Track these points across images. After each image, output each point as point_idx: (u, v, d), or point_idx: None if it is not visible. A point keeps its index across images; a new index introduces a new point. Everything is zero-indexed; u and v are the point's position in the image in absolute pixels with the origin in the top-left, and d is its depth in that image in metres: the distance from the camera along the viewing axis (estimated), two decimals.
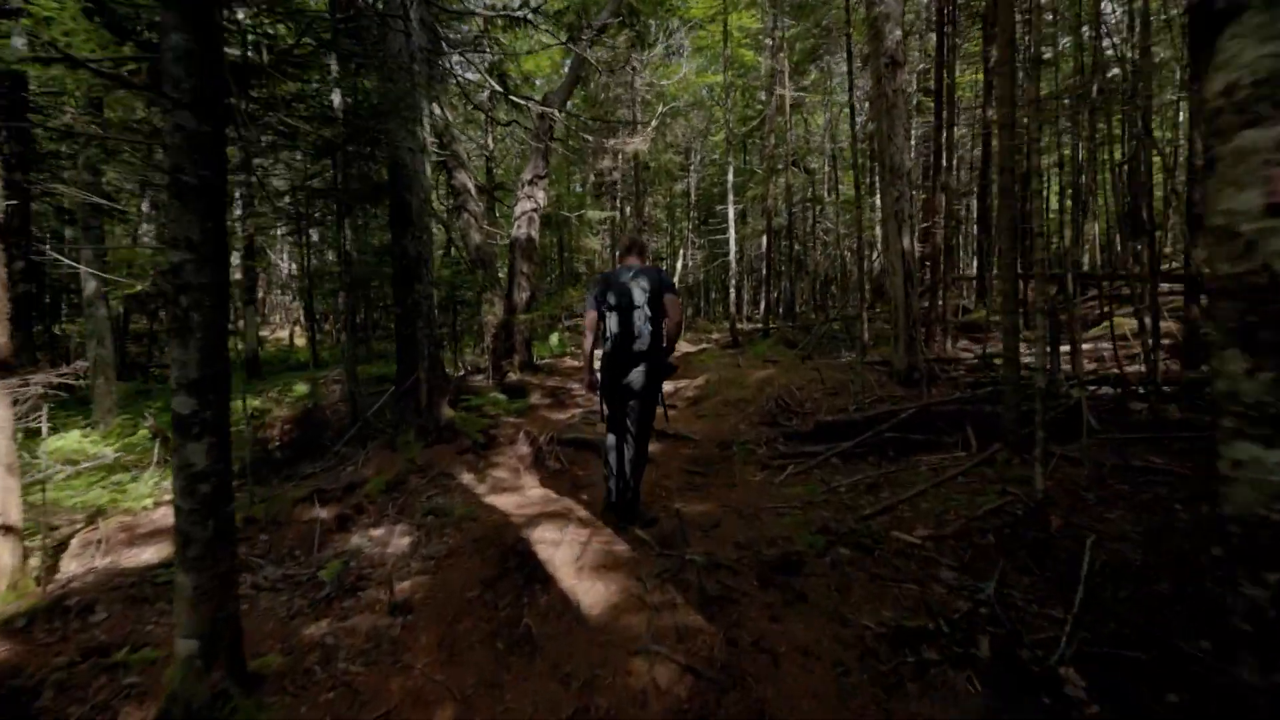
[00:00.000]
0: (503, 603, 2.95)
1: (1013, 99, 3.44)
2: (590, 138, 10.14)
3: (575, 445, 5.32)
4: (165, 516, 4.32)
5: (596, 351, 3.57)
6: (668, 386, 6.79)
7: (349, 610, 3.08)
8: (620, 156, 16.86)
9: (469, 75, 12.02)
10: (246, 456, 4.41)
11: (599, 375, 3.55)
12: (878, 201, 18.26)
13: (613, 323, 3.36)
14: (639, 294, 3.30)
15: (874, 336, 11.74)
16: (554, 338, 11.48)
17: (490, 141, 14.76)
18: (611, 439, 3.59)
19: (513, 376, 9.32)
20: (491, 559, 3.38)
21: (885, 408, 5.39)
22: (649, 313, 3.31)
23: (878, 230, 18.78)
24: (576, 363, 11.46)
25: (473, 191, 9.25)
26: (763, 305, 24.09)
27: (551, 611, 2.80)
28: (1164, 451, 3.42)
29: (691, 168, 20.51)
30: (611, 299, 3.35)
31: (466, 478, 4.79)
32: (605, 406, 3.58)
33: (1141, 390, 4.38)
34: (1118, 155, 7.29)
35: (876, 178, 19.18)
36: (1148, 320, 4.39)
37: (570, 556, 3.30)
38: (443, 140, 9.01)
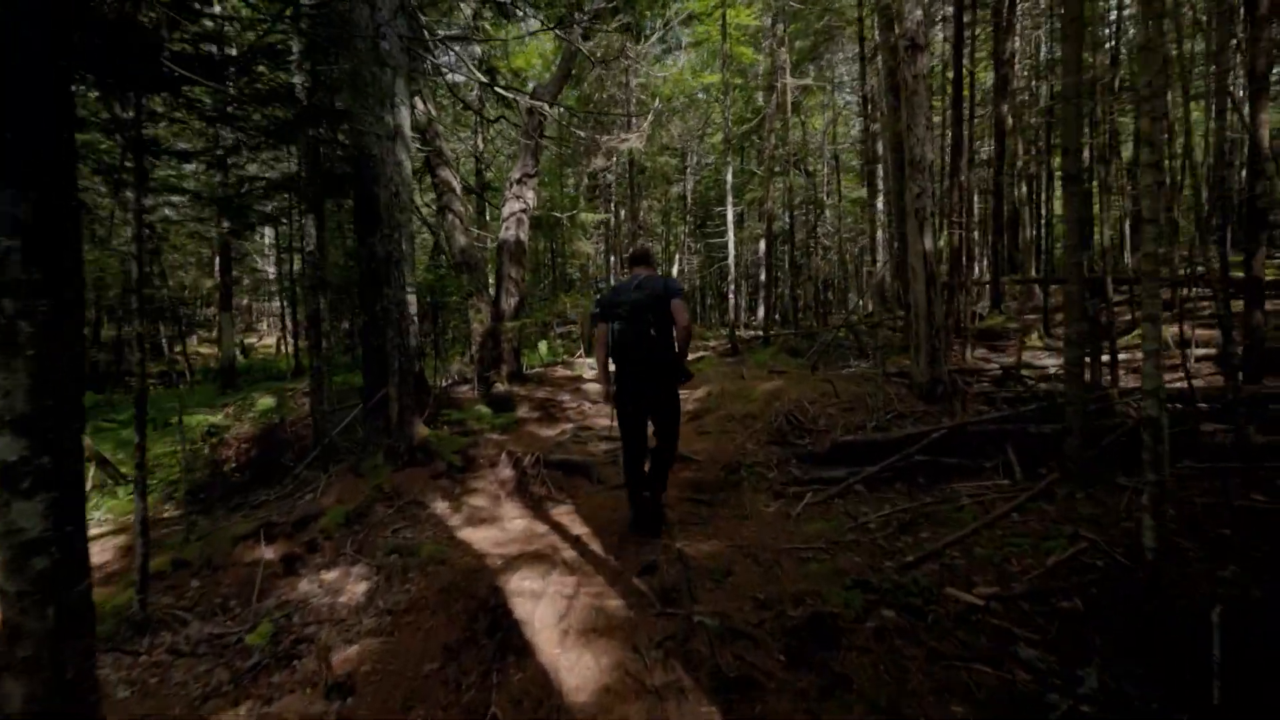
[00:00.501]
0: (467, 680, 2.37)
1: (1078, 64, 2.91)
2: (583, 133, 9.61)
3: (564, 469, 4.75)
4: None
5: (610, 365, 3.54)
6: None
7: (278, 688, 2.49)
8: (615, 158, 16.36)
9: (457, 77, 11.51)
10: (181, 486, 3.83)
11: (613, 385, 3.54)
12: (880, 205, 17.82)
13: (619, 332, 3.34)
14: (644, 302, 3.29)
15: (881, 344, 11.23)
16: (543, 346, 10.91)
17: (480, 142, 14.24)
18: (626, 449, 3.56)
19: (500, 387, 8.75)
20: (459, 616, 2.80)
21: (910, 427, 4.86)
22: (654, 319, 3.28)
23: (879, 235, 18.34)
24: (569, 371, 10.90)
25: (457, 190, 8.70)
26: (761, 311, 23.62)
27: (527, 697, 2.23)
28: (1263, 486, 2.88)
29: (688, 170, 20.03)
30: (618, 309, 3.34)
31: (439, 507, 4.22)
32: (617, 416, 3.55)
33: (1206, 407, 3.86)
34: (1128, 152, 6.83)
35: (880, 180, 18.75)
36: (1184, 328, 3.91)
37: (553, 615, 2.72)
38: (425, 136, 8.46)
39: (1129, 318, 8.11)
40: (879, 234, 18.33)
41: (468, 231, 8.80)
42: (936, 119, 11.21)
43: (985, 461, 4.13)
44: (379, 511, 4.09)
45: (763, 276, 23.55)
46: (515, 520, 4.05)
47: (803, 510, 3.84)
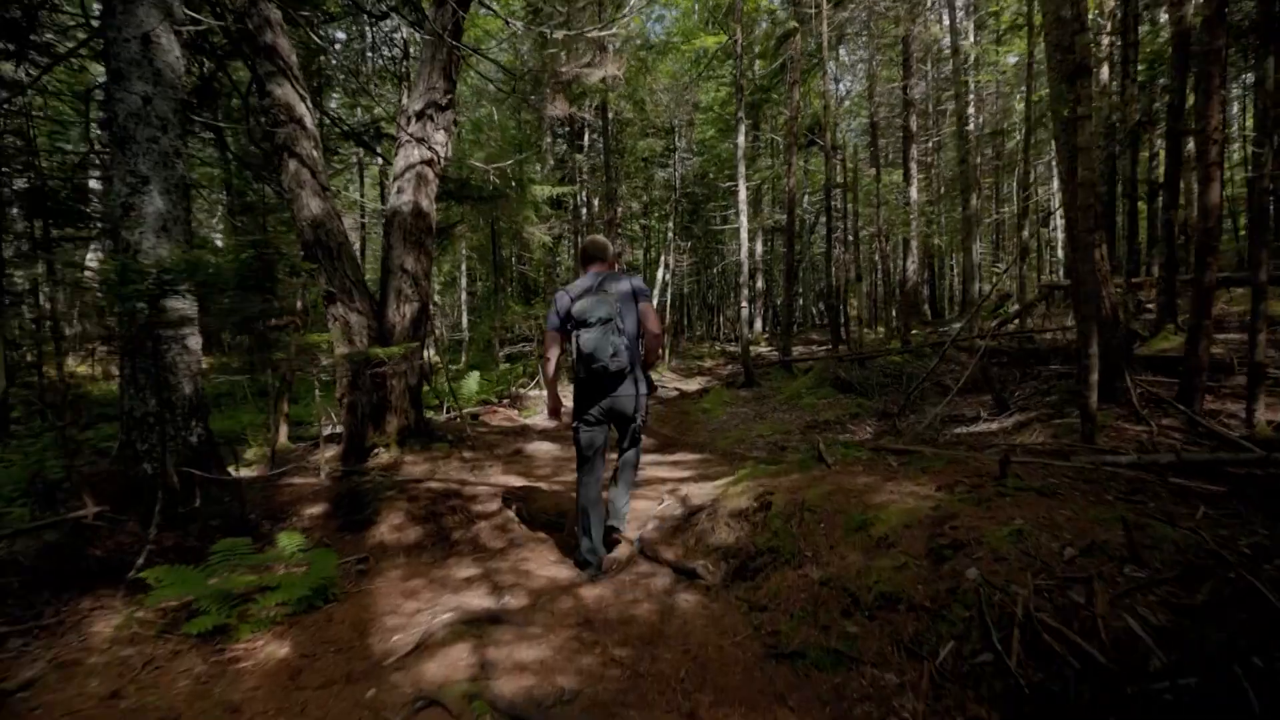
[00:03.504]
0: None
1: None
2: (521, 25, 6.08)
3: None
4: None
5: (558, 381, 3.19)
6: (654, 509, 2.81)
7: None
8: (585, 121, 12.89)
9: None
10: None
11: (570, 406, 3.05)
12: (914, 192, 14.56)
13: (586, 341, 2.77)
14: (609, 305, 2.80)
15: (930, 384, 7.86)
16: (472, 379, 7.26)
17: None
18: (585, 488, 3.00)
19: (384, 457, 5.14)
20: None
21: None
22: (622, 325, 2.82)
23: (912, 228, 15.09)
24: (514, 416, 7.30)
25: (307, 123, 5.10)
26: (761, 323, 20.25)
27: None
28: None
29: (676, 153, 16.68)
30: (577, 314, 2.83)
31: None
32: (579, 445, 3.03)
33: None
34: None
35: (913, 161, 15.43)
36: None
37: None
38: (249, 21, 4.86)
39: None
40: (911, 229, 15.10)
41: (325, 192, 5.19)
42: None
43: None
44: None
45: (760, 284, 20.21)
46: None
47: None
